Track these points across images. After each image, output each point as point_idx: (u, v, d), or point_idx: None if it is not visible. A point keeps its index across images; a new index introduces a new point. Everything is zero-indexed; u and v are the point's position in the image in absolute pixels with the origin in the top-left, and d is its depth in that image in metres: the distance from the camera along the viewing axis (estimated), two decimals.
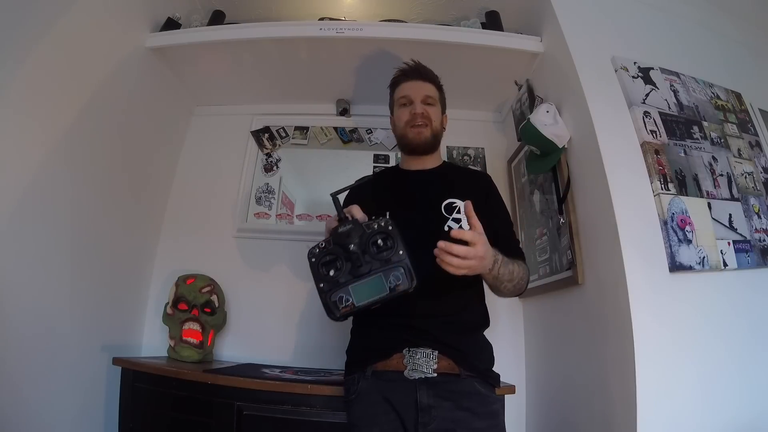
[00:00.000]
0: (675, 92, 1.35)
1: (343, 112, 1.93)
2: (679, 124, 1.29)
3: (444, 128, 1.21)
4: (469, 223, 0.87)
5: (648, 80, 1.33)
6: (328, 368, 1.52)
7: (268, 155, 1.93)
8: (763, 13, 1.71)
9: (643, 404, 0.96)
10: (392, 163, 1.89)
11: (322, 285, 0.81)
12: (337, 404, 1.14)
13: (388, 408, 0.93)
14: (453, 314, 0.99)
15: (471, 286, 1.06)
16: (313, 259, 0.83)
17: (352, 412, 0.97)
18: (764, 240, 1.22)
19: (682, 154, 1.23)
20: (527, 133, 1.38)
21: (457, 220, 1.05)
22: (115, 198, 1.54)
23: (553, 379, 1.43)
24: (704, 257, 1.10)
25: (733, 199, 1.24)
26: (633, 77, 1.31)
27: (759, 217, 1.25)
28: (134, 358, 1.45)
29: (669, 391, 0.99)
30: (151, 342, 1.68)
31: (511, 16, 1.65)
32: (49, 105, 1.23)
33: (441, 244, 0.81)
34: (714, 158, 1.28)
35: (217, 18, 1.74)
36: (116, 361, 1.37)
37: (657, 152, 1.19)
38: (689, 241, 1.11)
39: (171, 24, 1.67)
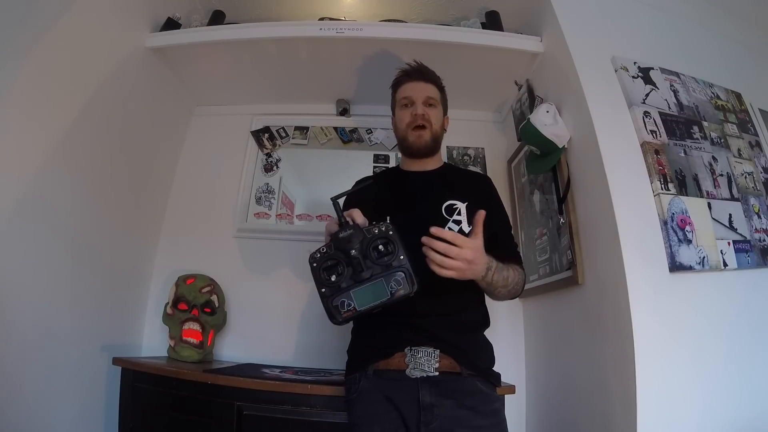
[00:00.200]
0: (675, 92, 1.36)
1: (343, 112, 1.93)
2: (679, 124, 1.29)
3: (445, 130, 1.22)
4: (473, 230, 0.89)
5: (648, 80, 1.33)
6: (328, 368, 1.52)
7: (268, 155, 1.93)
8: (763, 13, 1.71)
9: (643, 404, 0.96)
10: (392, 163, 1.89)
11: (324, 290, 0.82)
12: (337, 404, 1.14)
13: (389, 407, 0.93)
14: (454, 314, 0.99)
15: (471, 287, 1.06)
16: (315, 264, 0.83)
17: (353, 411, 0.97)
18: (764, 240, 1.22)
19: (682, 154, 1.23)
20: (527, 133, 1.38)
21: (458, 222, 1.05)
22: (115, 198, 1.54)
23: (553, 379, 1.43)
24: (704, 257, 1.10)
25: (733, 199, 1.24)
26: (633, 77, 1.31)
27: (759, 217, 1.25)
28: (134, 358, 1.45)
29: (669, 391, 0.99)
30: (151, 342, 1.68)
31: (511, 16, 1.65)
32: (49, 105, 1.23)
33: (424, 239, 0.84)
34: (714, 158, 1.28)
35: (217, 18, 1.74)
36: (116, 361, 1.37)
37: (657, 152, 1.19)
38: (689, 241, 1.11)
39: (171, 24, 1.67)
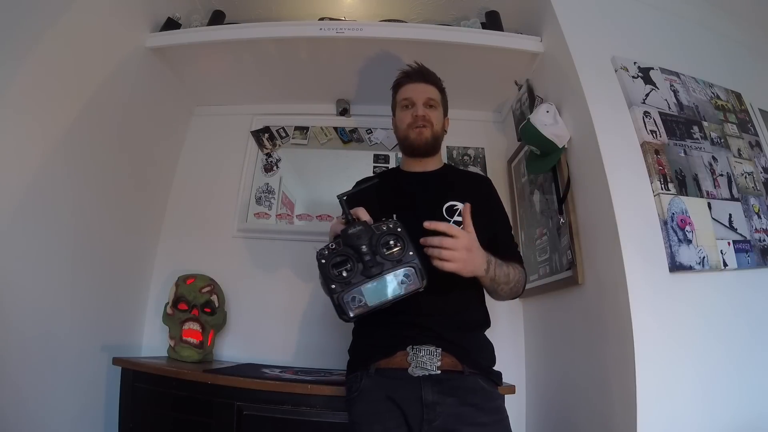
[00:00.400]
0: (675, 92, 1.35)
1: (343, 112, 1.93)
2: (679, 124, 1.29)
3: (446, 131, 1.22)
4: (463, 223, 0.91)
5: (648, 80, 1.33)
6: (328, 368, 1.52)
7: (268, 155, 1.93)
8: (763, 13, 1.71)
9: (643, 404, 0.96)
10: (392, 163, 1.89)
11: (333, 286, 0.81)
12: (337, 404, 1.14)
13: (391, 405, 0.93)
14: (456, 313, 1.00)
15: (473, 286, 1.06)
16: (323, 261, 0.82)
17: (354, 410, 0.97)
18: (764, 240, 1.22)
19: (682, 154, 1.23)
20: (527, 133, 1.38)
21: (459, 223, 1.05)
22: (115, 198, 1.54)
23: (553, 379, 1.43)
24: (704, 257, 1.10)
25: (733, 199, 1.24)
26: (633, 77, 1.31)
27: (759, 217, 1.25)
28: (134, 358, 1.45)
29: (669, 391, 0.99)
30: (151, 342, 1.68)
31: (511, 16, 1.65)
32: (50, 105, 1.23)
33: (421, 240, 0.86)
34: (714, 158, 1.28)
35: (217, 18, 1.74)
36: (116, 361, 1.37)
37: (657, 152, 1.19)
38: (689, 241, 1.11)
39: (171, 24, 1.67)
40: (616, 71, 1.31)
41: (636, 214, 1.11)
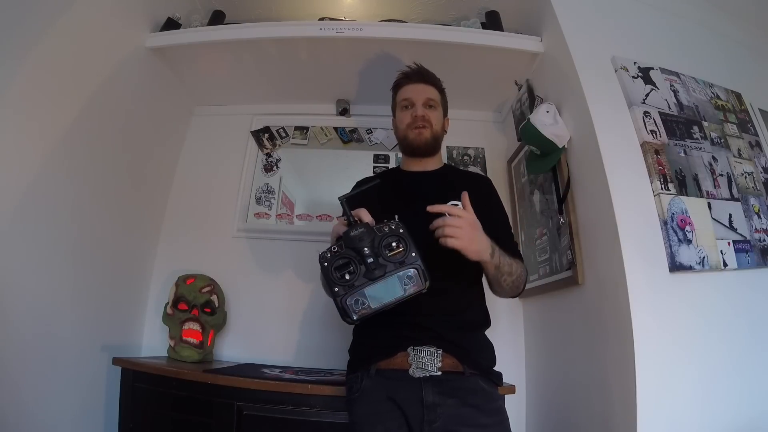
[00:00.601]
0: (675, 92, 1.35)
1: (343, 112, 1.93)
2: (679, 124, 1.29)
3: (445, 131, 1.23)
4: (464, 207, 0.92)
5: (648, 80, 1.33)
6: (328, 368, 1.52)
7: (268, 155, 1.93)
8: (763, 13, 1.71)
9: (643, 404, 0.96)
10: (392, 163, 1.89)
11: (337, 289, 0.81)
12: (337, 404, 1.14)
13: (392, 406, 0.93)
14: (456, 313, 0.99)
15: (473, 285, 1.07)
16: (326, 264, 0.82)
17: (354, 410, 0.97)
18: (764, 240, 1.22)
19: (682, 154, 1.23)
20: (527, 133, 1.38)
21: None
22: (115, 198, 1.54)
23: (552, 379, 1.43)
24: (704, 257, 1.10)
25: (733, 199, 1.24)
26: (633, 77, 1.31)
27: (759, 217, 1.25)
28: (134, 358, 1.45)
29: (669, 391, 0.99)
30: (151, 342, 1.68)
31: (511, 16, 1.65)
32: (49, 105, 1.23)
33: (430, 226, 0.87)
34: (714, 158, 1.28)
35: (217, 18, 1.74)
36: (116, 361, 1.37)
37: (657, 152, 1.19)
38: (689, 241, 1.10)
39: (171, 24, 1.67)
40: (616, 71, 1.31)
41: (636, 214, 1.11)
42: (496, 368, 1.03)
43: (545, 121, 1.33)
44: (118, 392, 1.35)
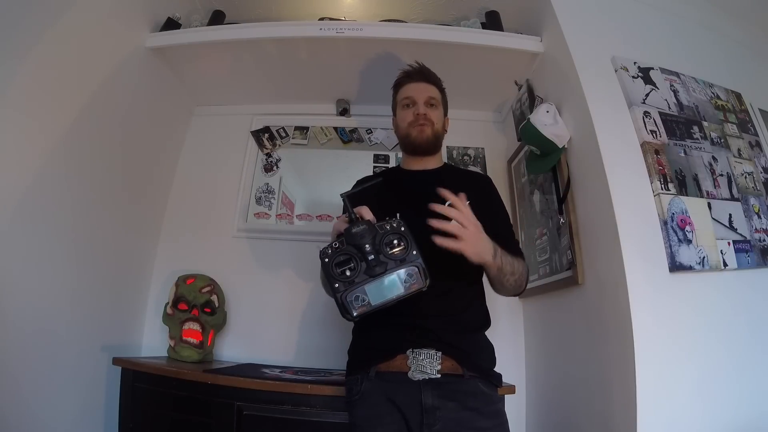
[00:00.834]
0: (675, 92, 1.35)
1: (343, 112, 1.93)
2: (679, 124, 1.29)
3: (446, 130, 1.22)
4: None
5: (648, 80, 1.33)
6: (328, 368, 1.52)
7: (268, 155, 1.93)
8: (763, 13, 1.71)
9: (643, 404, 0.96)
10: (392, 163, 1.89)
11: (337, 285, 0.81)
12: (337, 404, 1.14)
13: (392, 409, 0.93)
14: (456, 314, 0.99)
15: (473, 286, 1.06)
16: (327, 260, 0.82)
17: (355, 413, 0.97)
18: (764, 240, 1.22)
19: (682, 154, 1.23)
20: (527, 133, 1.38)
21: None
22: (116, 198, 1.54)
23: (553, 379, 1.43)
24: (704, 257, 1.10)
25: (733, 199, 1.24)
26: (633, 77, 1.31)
27: (759, 217, 1.25)
28: (134, 358, 1.45)
29: (669, 391, 0.99)
30: (151, 342, 1.68)
31: (511, 16, 1.65)
32: (50, 105, 1.23)
33: (431, 221, 0.84)
34: (714, 158, 1.28)
35: (217, 18, 1.74)
36: (116, 361, 1.37)
37: (657, 152, 1.19)
38: (689, 241, 1.10)
39: (171, 24, 1.67)
40: (616, 71, 1.31)
41: (636, 214, 1.11)
42: (496, 369, 1.03)
43: (545, 121, 1.33)
44: (118, 392, 1.35)
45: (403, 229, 0.83)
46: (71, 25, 1.26)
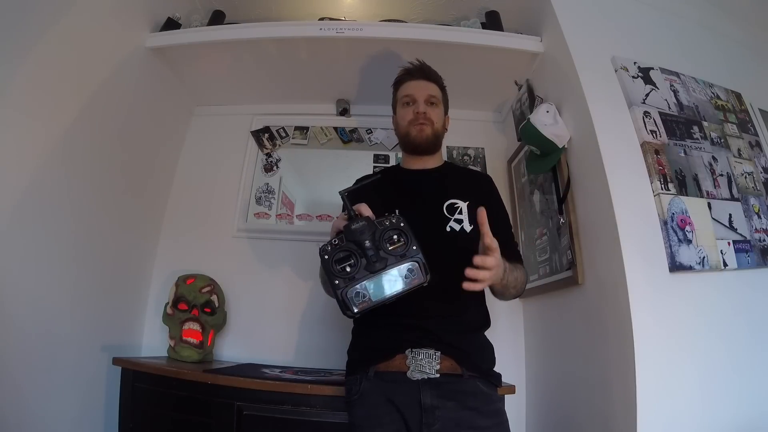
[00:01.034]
0: (675, 92, 1.35)
1: (343, 112, 1.93)
2: (679, 124, 1.29)
3: (446, 129, 1.22)
4: (482, 231, 0.85)
5: (648, 80, 1.33)
6: (328, 368, 1.52)
7: (268, 155, 1.93)
8: (763, 13, 1.71)
9: (643, 404, 0.96)
10: (392, 163, 1.89)
11: (337, 281, 0.80)
12: (337, 404, 1.13)
13: (391, 409, 0.93)
14: (455, 314, 0.99)
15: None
16: (326, 256, 0.81)
17: (354, 412, 0.97)
18: (764, 240, 1.22)
19: (682, 154, 1.23)
20: (527, 133, 1.38)
21: (459, 221, 1.05)
22: (115, 198, 1.54)
23: (552, 379, 1.43)
24: (704, 257, 1.10)
25: (733, 199, 1.24)
26: (633, 77, 1.31)
27: (759, 217, 1.25)
28: (134, 358, 1.45)
29: (669, 391, 0.99)
30: (151, 342, 1.68)
31: (511, 16, 1.65)
32: (50, 105, 1.23)
33: (469, 272, 0.81)
34: (714, 158, 1.28)
35: (217, 18, 1.74)
36: (116, 361, 1.37)
37: (657, 152, 1.19)
38: (689, 241, 1.10)
39: (171, 24, 1.67)
40: (616, 71, 1.31)
41: (636, 214, 1.11)
42: (495, 368, 1.03)
43: (545, 121, 1.33)
44: (118, 392, 1.35)
45: (402, 224, 0.83)
46: (71, 25, 1.26)
